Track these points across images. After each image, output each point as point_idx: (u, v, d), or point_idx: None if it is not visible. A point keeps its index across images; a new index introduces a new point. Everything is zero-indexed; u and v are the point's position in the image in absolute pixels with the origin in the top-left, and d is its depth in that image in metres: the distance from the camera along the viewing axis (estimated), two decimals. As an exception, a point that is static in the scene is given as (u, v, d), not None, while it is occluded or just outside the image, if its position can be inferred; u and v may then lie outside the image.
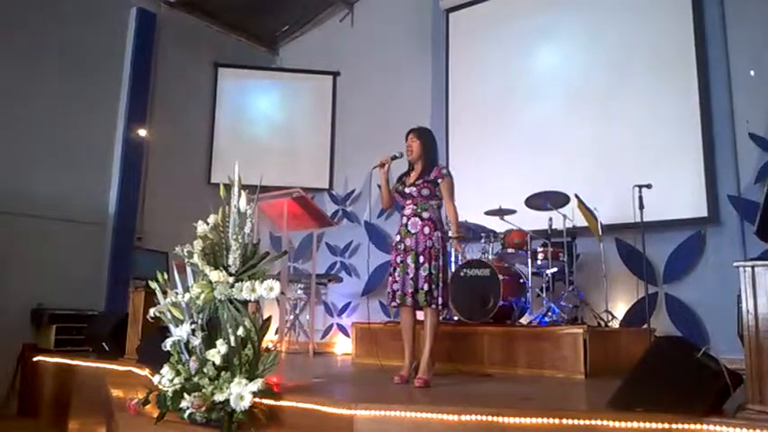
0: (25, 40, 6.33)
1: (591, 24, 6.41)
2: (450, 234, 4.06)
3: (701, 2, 5.80)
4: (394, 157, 3.96)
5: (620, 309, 5.63)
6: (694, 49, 5.73)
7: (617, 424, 2.46)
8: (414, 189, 3.82)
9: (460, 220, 5.68)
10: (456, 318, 5.19)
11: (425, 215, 3.78)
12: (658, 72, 5.89)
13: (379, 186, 4.03)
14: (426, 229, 3.74)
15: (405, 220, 3.83)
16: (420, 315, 3.85)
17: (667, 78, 5.83)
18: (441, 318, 5.27)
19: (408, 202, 3.84)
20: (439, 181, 3.82)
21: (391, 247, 3.91)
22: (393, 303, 3.79)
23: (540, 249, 5.35)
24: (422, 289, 3.65)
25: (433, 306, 3.68)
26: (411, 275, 3.68)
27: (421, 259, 3.69)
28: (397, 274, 3.75)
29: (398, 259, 3.78)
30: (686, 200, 5.53)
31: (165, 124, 7.37)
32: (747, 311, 2.41)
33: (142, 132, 7.09)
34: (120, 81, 7.14)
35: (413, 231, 3.76)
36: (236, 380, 2.97)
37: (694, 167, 5.56)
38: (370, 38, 8.07)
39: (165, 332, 3.31)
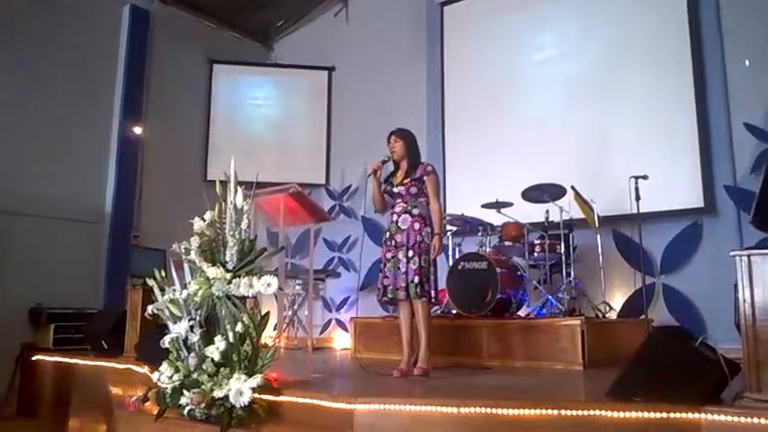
0: (20, 38, 6.28)
1: (586, 16, 6.39)
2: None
3: (696, -8, 5.80)
4: (384, 162, 4.02)
5: (617, 300, 5.65)
6: (689, 41, 5.73)
7: (616, 414, 2.47)
8: (402, 188, 3.89)
9: (458, 213, 5.76)
10: (454, 311, 5.20)
11: (415, 212, 3.85)
12: (654, 63, 5.88)
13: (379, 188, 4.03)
14: (416, 225, 3.81)
15: (395, 217, 3.89)
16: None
17: (663, 70, 5.83)
18: (440, 311, 5.34)
19: (398, 201, 3.91)
20: (425, 178, 3.89)
21: (382, 243, 3.96)
22: (384, 299, 3.87)
23: (537, 242, 5.35)
24: (412, 282, 3.71)
25: (425, 298, 3.75)
26: (403, 270, 3.75)
27: (410, 253, 3.76)
28: (387, 269, 3.83)
29: (389, 255, 3.85)
30: (683, 190, 5.54)
31: (160, 121, 7.33)
32: (744, 300, 2.43)
33: (137, 130, 7.06)
34: (114, 78, 7.10)
35: (403, 227, 3.83)
36: (236, 376, 2.98)
37: (690, 158, 5.57)
38: (365, 32, 8.03)
39: (164, 329, 3.30)
